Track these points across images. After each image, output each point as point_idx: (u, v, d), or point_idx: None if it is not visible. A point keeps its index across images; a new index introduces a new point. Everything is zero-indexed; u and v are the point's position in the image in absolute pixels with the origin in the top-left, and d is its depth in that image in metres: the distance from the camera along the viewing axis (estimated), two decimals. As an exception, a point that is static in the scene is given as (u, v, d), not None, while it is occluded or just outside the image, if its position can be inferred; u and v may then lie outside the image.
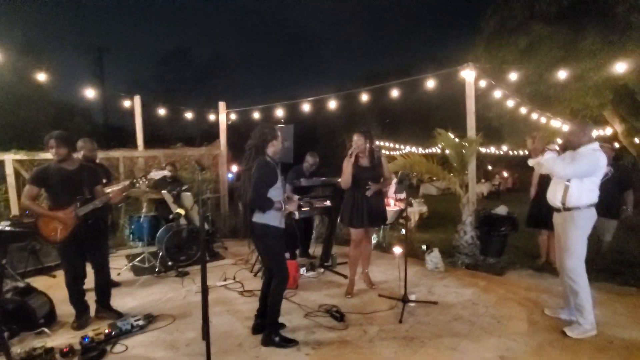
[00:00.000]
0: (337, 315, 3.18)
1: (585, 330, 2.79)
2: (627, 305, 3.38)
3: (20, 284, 3.43)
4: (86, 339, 2.74)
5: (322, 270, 4.55)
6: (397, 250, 4.51)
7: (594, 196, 2.80)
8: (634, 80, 7.23)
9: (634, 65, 6.13)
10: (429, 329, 3.00)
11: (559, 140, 5.01)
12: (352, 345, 2.77)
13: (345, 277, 4.15)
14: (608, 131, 10.08)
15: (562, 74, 5.86)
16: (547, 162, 2.84)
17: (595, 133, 10.11)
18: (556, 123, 8.26)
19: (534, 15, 8.02)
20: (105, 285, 3.38)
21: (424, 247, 5.16)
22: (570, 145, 2.92)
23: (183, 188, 5.07)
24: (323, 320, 3.17)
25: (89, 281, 3.39)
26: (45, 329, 3.05)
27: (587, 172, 2.73)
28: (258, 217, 2.75)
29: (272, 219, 2.74)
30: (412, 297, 3.51)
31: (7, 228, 4.29)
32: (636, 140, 9.34)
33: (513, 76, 5.94)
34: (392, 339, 2.83)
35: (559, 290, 3.27)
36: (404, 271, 3.46)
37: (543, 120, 8.13)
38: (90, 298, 3.33)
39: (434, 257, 4.57)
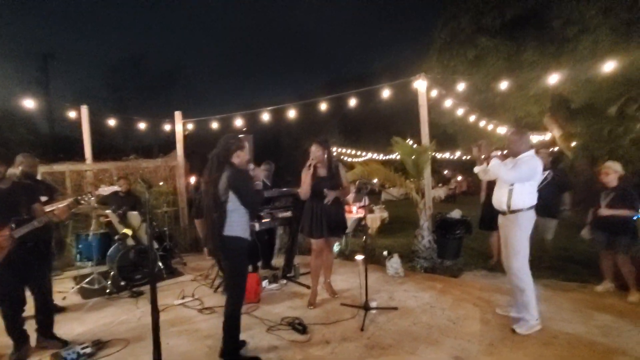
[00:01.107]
0: (300, 328, 3.16)
1: (532, 325, 2.98)
2: (570, 300, 3.65)
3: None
4: (25, 374, 2.51)
5: (284, 281, 4.50)
6: (359, 257, 4.58)
7: (533, 198, 3.04)
8: (568, 89, 7.92)
9: (567, 76, 6.73)
10: (389, 335, 3.05)
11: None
12: (314, 356, 2.75)
13: (308, 287, 4.13)
14: (547, 136, 10.93)
15: (505, 84, 6.29)
16: (492, 168, 3.04)
17: (537, 138, 10.91)
18: (502, 130, 8.83)
19: (481, 28, 8.57)
20: (47, 313, 3.12)
21: (385, 252, 5.27)
22: (511, 152, 3.14)
23: (124, 209, 4.76)
24: (285, 334, 3.13)
25: (29, 307, 3.10)
26: (-23, 366, 2.76)
27: (528, 177, 2.97)
28: (229, 230, 2.63)
29: (242, 231, 2.68)
30: (373, 304, 3.56)
31: None
32: (572, 144, 10.20)
33: (462, 85, 6.29)
34: (354, 348, 2.85)
35: (508, 288, 3.46)
36: (365, 279, 3.51)
37: (491, 127, 8.66)
38: (31, 326, 3.05)
39: (394, 263, 4.68)
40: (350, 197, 5.09)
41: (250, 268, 4.79)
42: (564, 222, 5.02)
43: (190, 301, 4.01)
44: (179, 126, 7.10)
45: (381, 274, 4.71)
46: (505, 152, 3.32)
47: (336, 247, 5.61)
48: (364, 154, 15.65)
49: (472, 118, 7.81)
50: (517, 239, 3.02)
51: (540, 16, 8.10)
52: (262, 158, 5.23)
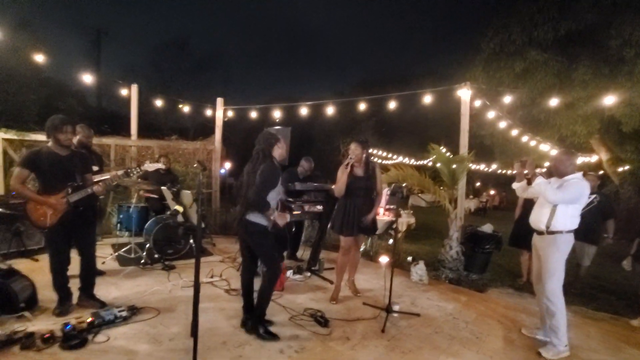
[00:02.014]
0: (322, 320, 3.23)
1: (559, 351, 2.89)
2: (600, 330, 3.51)
3: (3, 266, 3.37)
4: (68, 327, 2.72)
5: (308, 274, 4.58)
6: (384, 260, 4.59)
7: (575, 222, 2.95)
8: (621, 112, 7.50)
9: (622, 98, 6.39)
10: (410, 340, 3.06)
11: (546, 164, 5.17)
12: (334, 350, 2.81)
13: (331, 282, 4.20)
14: (594, 158, 10.41)
15: (553, 101, 6.06)
16: (538, 186, 2.94)
17: (580, 160, 10.45)
18: (545, 147, 8.50)
19: (532, 41, 8.26)
20: (90, 274, 3.35)
21: (409, 258, 5.25)
22: (556, 172, 3.04)
23: (178, 186, 5.04)
24: (307, 324, 3.21)
25: (73, 268, 3.35)
26: (26, 313, 3.01)
27: (574, 199, 2.88)
28: (252, 217, 2.86)
29: (264, 219, 2.87)
30: (396, 307, 3.57)
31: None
32: (619, 169, 9.67)
33: (507, 98, 6.12)
34: (374, 347, 2.88)
35: (537, 310, 3.37)
36: (389, 281, 3.53)
37: (533, 143, 8.36)
38: (74, 285, 3.30)
39: (419, 270, 4.65)
40: (383, 200, 5.10)
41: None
42: (602, 249, 4.81)
43: (218, 281, 4.18)
44: (220, 112, 7.33)
45: (404, 278, 4.70)
46: (544, 170, 3.22)
47: (361, 248, 5.63)
48: (395, 156, 15.48)
49: (513, 132, 7.57)
50: (553, 260, 2.94)
51: (596, 34, 7.70)
52: (295, 151, 5.31)
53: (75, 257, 3.32)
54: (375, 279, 4.54)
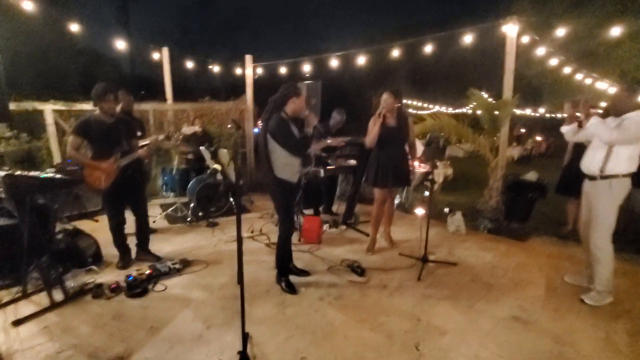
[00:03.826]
0: (359, 270, 3.34)
1: (603, 298, 2.83)
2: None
3: (69, 227, 3.76)
4: (130, 278, 3.05)
5: (344, 227, 4.69)
6: (420, 211, 4.56)
7: (634, 165, 2.70)
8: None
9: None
10: (447, 287, 3.11)
11: (603, 105, 4.69)
12: (372, 298, 2.93)
13: (367, 235, 4.28)
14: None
15: (615, 30, 5.33)
16: (593, 126, 2.71)
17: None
18: (602, 85, 7.67)
19: (592, -40, 7.18)
20: (144, 231, 3.66)
21: (446, 209, 5.18)
22: (614, 111, 2.76)
23: (216, 146, 5.20)
24: (345, 274, 3.34)
25: (129, 227, 3.65)
26: (94, 267, 3.39)
27: (634, 139, 2.62)
28: (271, 170, 2.91)
29: (282, 172, 2.89)
30: (432, 257, 3.60)
31: (57, 175, 4.59)
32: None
33: (561, 31, 5.47)
34: (411, 295, 2.97)
35: (582, 258, 3.26)
36: (425, 232, 3.53)
37: (588, 81, 7.56)
38: (131, 242, 3.63)
39: (456, 220, 4.60)
40: (419, 150, 4.96)
41: (312, 211, 5.08)
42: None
43: (258, 235, 4.40)
44: (249, 70, 7.25)
45: (441, 229, 4.68)
46: (600, 111, 2.92)
47: (396, 200, 5.62)
48: (430, 105, 14.78)
49: (566, 70, 6.85)
50: (604, 207, 2.77)
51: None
52: (326, 105, 5.21)
53: (130, 217, 3.61)
54: (411, 231, 4.56)
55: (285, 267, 3.16)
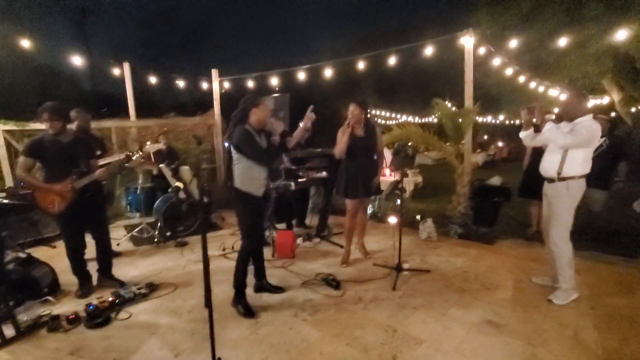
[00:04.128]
0: (334, 283, 3.30)
1: (569, 295, 2.94)
2: (612, 272, 3.53)
3: (22, 255, 3.48)
4: (91, 307, 2.84)
5: (318, 240, 4.65)
6: (392, 220, 4.60)
7: (587, 166, 2.86)
8: (635, 47, 7.09)
9: (636, 32, 6.00)
10: (421, 295, 3.13)
11: (556, 110, 4.98)
12: (347, 311, 2.89)
13: (341, 247, 4.25)
14: (605, 100, 10.03)
15: (563, 41, 5.73)
16: (548, 132, 2.85)
17: (592, 102, 10.09)
18: (554, 92, 8.18)
19: (539, -24, 7.71)
20: (106, 255, 3.45)
21: (418, 216, 5.26)
22: (566, 116, 2.92)
23: (176, 163, 5.02)
24: (320, 288, 3.29)
25: (90, 251, 3.44)
26: (50, 298, 3.14)
27: (586, 142, 2.78)
28: (237, 183, 2.84)
29: (247, 185, 2.80)
30: (406, 265, 3.63)
31: (5, 201, 4.28)
32: (632, 109, 9.32)
33: (514, 42, 5.79)
34: (386, 305, 2.96)
35: (547, 258, 3.38)
36: (398, 241, 3.56)
37: (541, 89, 8.04)
38: (92, 268, 3.41)
39: (427, 227, 4.67)
40: (387, 160, 5.03)
41: (284, 225, 5.00)
42: (615, 193, 4.73)
43: (230, 253, 4.26)
44: (216, 84, 7.15)
45: (413, 237, 4.74)
46: (553, 117, 3.09)
47: (369, 210, 5.66)
48: (399, 116, 15.17)
49: (521, 79, 7.25)
50: (562, 207, 2.91)
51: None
52: (295, 117, 5.21)
53: (91, 241, 3.40)
54: (384, 240, 4.58)
55: (243, 288, 2.97)
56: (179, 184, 4.68)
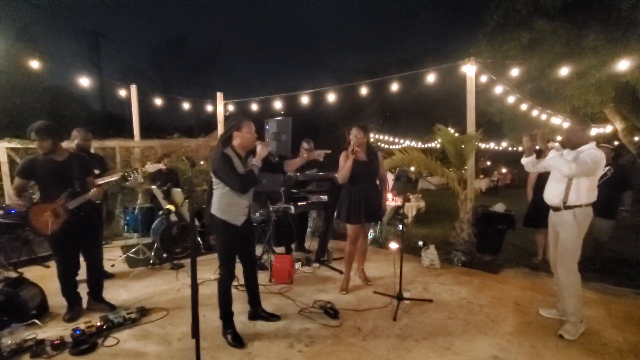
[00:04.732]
0: (332, 312, 3.17)
1: (577, 329, 2.80)
2: (622, 306, 3.38)
3: (12, 275, 3.40)
4: (77, 332, 2.72)
5: (317, 265, 4.53)
6: (394, 246, 4.49)
7: (593, 195, 2.79)
8: (636, 77, 7.15)
9: (637, 63, 6.06)
10: (423, 327, 2.98)
11: (559, 138, 4.96)
12: (345, 342, 2.75)
13: (340, 272, 4.13)
14: (608, 129, 10.03)
15: (564, 71, 5.79)
16: (551, 160, 2.79)
17: (595, 131, 10.08)
18: (556, 120, 8.20)
19: (538, 10, 7.88)
20: (97, 278, 3.35)
21: (420, 243, 5.15)
22: (569, 144, 2.88)
23: (168, 185, 4.92)
24: (317, 317, 3.15)
25: (82, 272, 3.34)
26: (37, 321, 3.02)
27: (591, 171, 2.71)
28: (214, 210, 2.72)
29: (226, 214, 2.68)
30: (407, 294, 3.49)
31: (-1, 219, 4.23)
32: (636, 138, 9.29)
33: (515, 72, 5.86)
34: (386, 337, 2.81)
35: (554, 289, 3.25)
36: (399, 268, 3.44)
37: (543, 117, 8.06)
38: (83, 290, 3.30)
39: (430, 254, 4.55)
40: (389, 184, 4.98)
41: (283, 249, 4.90)
42: (620, 223, 4.63)
43: (226, 277, 4.14)
44: (221, 107, 7.25)
45: (416, 264, 4.61)
46: (556, 145, 3.04)
47: (370, 235, 5.55)
48: (402, 141, 15.25)
49: (522, 107, 7.30)
50: (569, 237, 2.81)
51: (605, -3, 7.29)
52: (299, 141, 5.21)
53: (83, 262, 3.32)
54: (385, 266, 4.45)
55: (229, 317, 2.84)
56: (170, 207, 4.60)
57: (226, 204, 2.68)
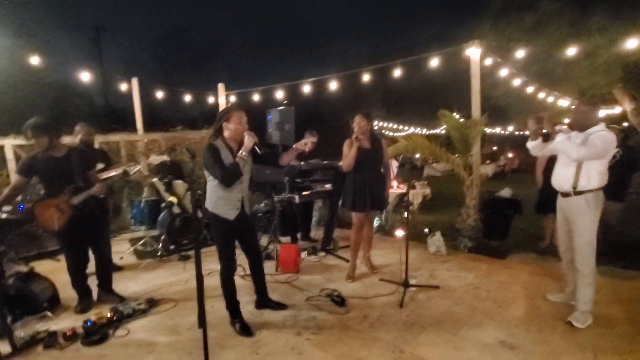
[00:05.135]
0: (338, 300, 3.18)
1: (587, 318, 2.73)
2: (630, 288, 3.36)
3: (23, 269, 3.45)
4: (89, 323, 2.77)
5: (323, 254, 4.54)
6: (399, 233, 4.48)
7: (604, 178, 2.68)
8: (646, 57, 6.97)
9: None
10: (429, 313, 2.99)
11: (566, 121, 4.86)
12: (352, 330, 2.77)
13: (346, 261, 4.14)
14: (617, 110, 9.83)
15: (570, 51, 5.65)
16: (560, 144, 2.68)
17: (603, 112, 9.88)
18: (563, 102, 8.05)
19: (542, -10, 7.69)
20: (106, 270, 3.39)
21: (426, 230, 5.14)
22: (577, 125, 2.74)
23: (169, 177, 4.88)
24: (324, 305, 3.17)
25: (92, 265, 3.38)
26: (48, 313, 3.09)
27: (601, 154, 2.61)
28: (208, 204, 2.70)
29: (217, 207, 2.66)
30: (413, 281, 3.50)
31: (4, 215, 4.26)
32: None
33: (520, 54, 5.73)
34: (392, 324, 2.83)
35: (562, 274, 3.23)
36: (405, 255, 3.44)
37: (550, 99, 7.92)
38: (93, 282, 3.35)
39: (436, 240, 4.54)
40: (393, 171, 4.94)
41: (289, 239, 4.92)
42: (629, 205, 4.56)
43: (233, 267, 4.17)
44: (222, 98, 7.21)
45: (422, 250, 4.60)
46: (564, 128, 2.93)
47: (376, 222, 5.55)
48: (406, 128, 15.11)
49: (528, 89, 7.16)
50: (583, 222, 2.69)
51: (612, -26, 7.07)
52: (302, 130, 5.18)
53: (92, 255, 3.35)
54: (391, 254, 4.45)
55: (235, 307, 2.86)
56: (172, 199, 4.60)
57: (217, 197, 2.66)
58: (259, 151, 2.71)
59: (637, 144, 8.44)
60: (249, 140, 2.62)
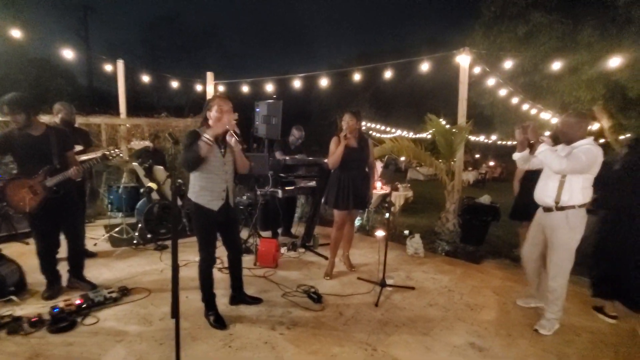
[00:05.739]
0: (315, 297, 3.19)
1: (553, 325, 2.80)
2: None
3: (-11, 251, 3.31)
4: (56, 309, 2.69)
5: (303, 250, 4.54)
6: (380, 233, 4.52)
7: (588, 195, 2.62)
8: (626, 76, 7.24)
9: (629, 61, 6.11)
10: (404, 313, 3.03)
11: (547, 133, 4.99)
12: (327, 326, 2.78)
13: (326, 258, 4.15)
14: (595, 126, 10.18)
15: (557, 65, 5.80)
16: (542, 155, 2.61)
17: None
18: (546, 115, 8.27)
19: (535, 2, 7.88)
20: (78, 256, 3.29)
21: (406, 231, 5.20)
22: (564, 138, 2.70)
23: (150, 162, 4.75)
24: (300, 301, 3.17)
25: (63, 250, 3.28)
26: (14, 297, 2.97)
27: (586, 168, 2.52)
28: (190, 194, 2.67)
29: (199, 196, 2.63)
30: (390, 281, 3.53)
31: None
32: (621, 137, 9.46)
33: (509, 64, 5.85)
34: (367, 322, 2.85)
35: (529, 280, 3.30)
36: (384, 255, 3.47)
37: (533, 112, 8.13)
38: (63, 268, 3.25)
39: (415, 243, 4.60)
40: (378, 171, 4.97)
41: (269, 234, 4.89)
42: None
43: (211, 259, 4.12)
44: (210, 87, 7.09)
45: (400, 252, 4.66)
46: (547, 134, 2.95)
47: (357, 222, 5.58)
48: (393, 130, 15.24)
49: (514, 100, 7.33)
50: (562, 240, 2.64)
51: (603, -7, 7.29)
52: (290, 125, 5.15)
53: (64, 240, 3.25)
54: (370, 254, 4.49)
55: (211, 299, 2.81)
56: (152, 185, 4.48)
57: (200, 187, 2.61)
58: (236, 138, 2.57)
59: (612, 160, 8.76)
60: (217, 125, 2.52)
